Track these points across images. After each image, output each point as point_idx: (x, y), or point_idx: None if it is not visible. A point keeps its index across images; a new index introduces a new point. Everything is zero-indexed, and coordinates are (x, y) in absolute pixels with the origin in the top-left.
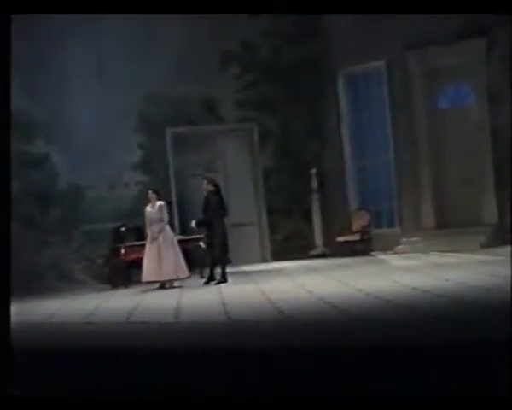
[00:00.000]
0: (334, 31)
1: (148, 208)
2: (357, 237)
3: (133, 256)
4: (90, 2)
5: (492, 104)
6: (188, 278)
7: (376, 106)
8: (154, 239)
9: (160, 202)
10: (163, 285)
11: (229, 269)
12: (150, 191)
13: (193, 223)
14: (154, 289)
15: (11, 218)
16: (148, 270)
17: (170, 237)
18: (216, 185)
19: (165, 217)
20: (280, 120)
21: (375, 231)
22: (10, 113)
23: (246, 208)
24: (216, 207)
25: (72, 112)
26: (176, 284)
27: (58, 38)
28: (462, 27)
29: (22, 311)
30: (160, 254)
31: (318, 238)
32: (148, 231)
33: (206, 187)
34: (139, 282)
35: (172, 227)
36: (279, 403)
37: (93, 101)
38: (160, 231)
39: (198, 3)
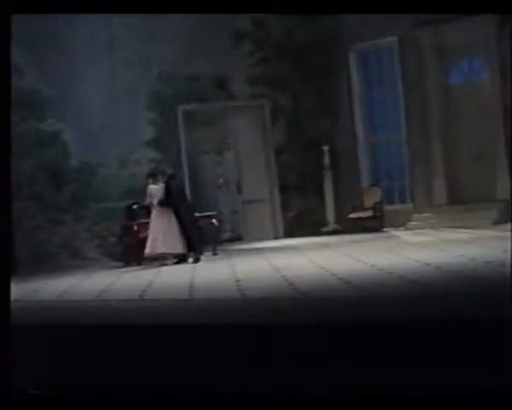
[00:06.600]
0: None
1: (154, 185)
2: (369, 214)
3: (146, 234)
4: (93, 2)
5: (504, 79)
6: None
7: (388, 82)
8: (161, 211)
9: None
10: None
11: (241, 246)
12: (158, 171)
13: (155, 202)
14: (168, 266)
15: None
16: (155, 243)
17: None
18: (171, 175)
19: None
20: (292, 97)
21: (387, 208)
22: (10, 115)
23: (258, 185)
24: (177, 191)
25: (84, 89)
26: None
27: (70, 16)
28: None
29: (35, 289)
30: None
31: (330, 215)
32: (152, 206)
33: (162, 179)
34: (151, 259)
35: None
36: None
37: (105, 78)
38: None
39: (197, 3)
